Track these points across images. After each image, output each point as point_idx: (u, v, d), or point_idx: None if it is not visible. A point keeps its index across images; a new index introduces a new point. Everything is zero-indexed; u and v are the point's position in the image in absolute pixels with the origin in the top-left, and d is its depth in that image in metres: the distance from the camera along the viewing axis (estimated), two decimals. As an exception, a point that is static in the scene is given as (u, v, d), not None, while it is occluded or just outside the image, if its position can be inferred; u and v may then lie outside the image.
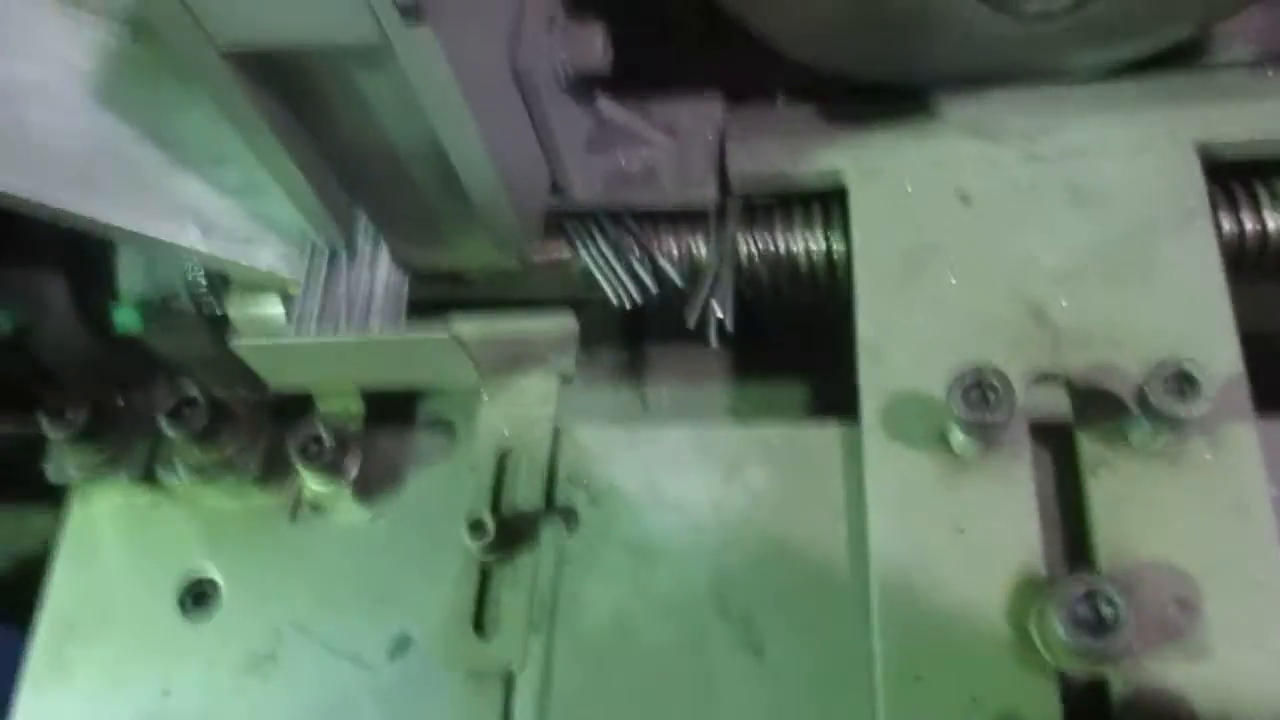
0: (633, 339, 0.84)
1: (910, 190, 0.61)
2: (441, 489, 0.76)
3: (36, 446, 0.81)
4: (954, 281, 0.59)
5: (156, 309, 0.74)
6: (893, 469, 0.55)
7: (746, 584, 0.58)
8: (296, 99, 0.55)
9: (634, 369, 0.82)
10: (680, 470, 0.61)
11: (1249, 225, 0.60)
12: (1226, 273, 0.58)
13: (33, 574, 1.12)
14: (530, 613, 0.57)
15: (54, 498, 0.90)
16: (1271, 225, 0.60)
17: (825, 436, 0.60)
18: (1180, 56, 0.63)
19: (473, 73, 0.51)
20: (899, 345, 0.58)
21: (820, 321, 0.72)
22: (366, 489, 0.75)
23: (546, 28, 0.58)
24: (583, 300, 0.74)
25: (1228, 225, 0.60)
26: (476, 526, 0.57)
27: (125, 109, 0.64)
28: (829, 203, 0.65)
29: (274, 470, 0.76)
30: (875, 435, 0.56)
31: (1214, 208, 0.60)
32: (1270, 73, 0.62)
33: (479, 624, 0.59)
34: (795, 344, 0.76)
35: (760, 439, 0.61)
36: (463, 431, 0.78)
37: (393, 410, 0.78)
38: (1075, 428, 0.55)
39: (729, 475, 0.60)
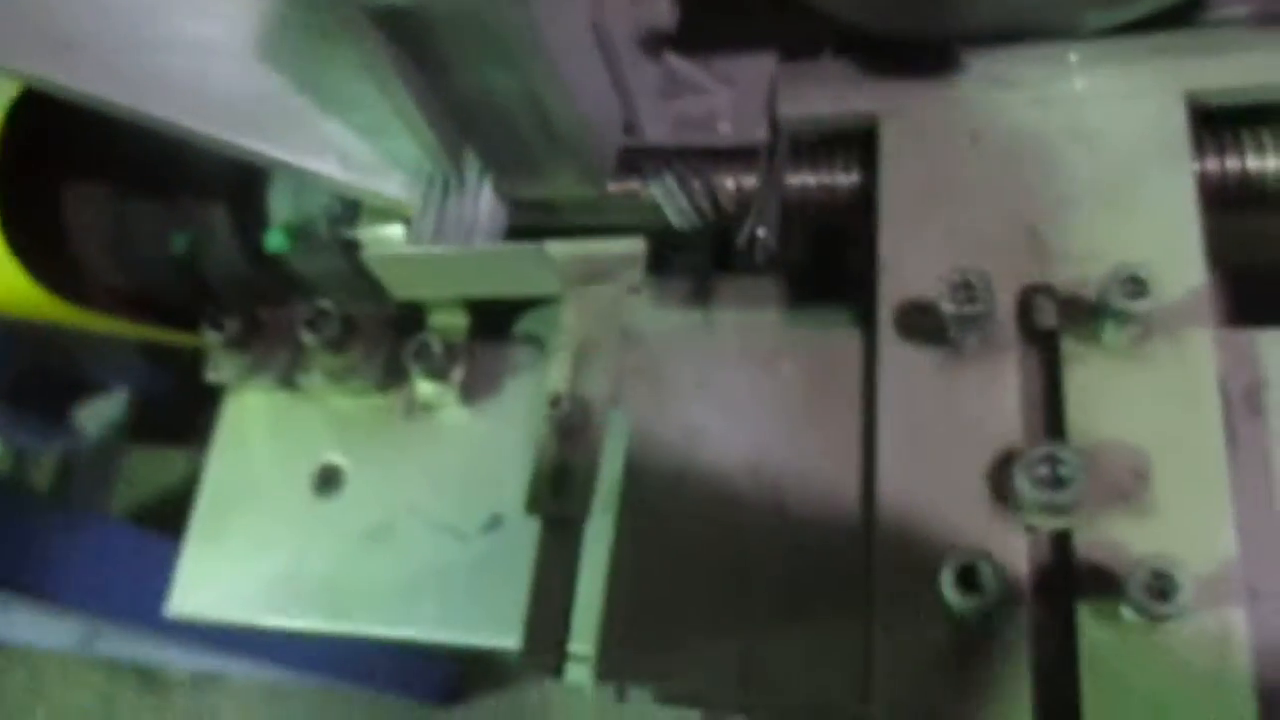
0: (704, 272, 0.95)
1: (930, 130, 0.72)
2: (532, 394, 0.88)
3: (180, 397, 0.95)
4: (963, 208, 0.69)
5: (299, 233, 0.89)
6: (900, 362, 0.66)
7: (777, 455, 0.69)
8: (420, 52, 0.68)
9: (702, 297, 0.94)
10: (725, 362, 0.73)
11: (1230, 165, 0.69)
12: (1214, 207, 0.67)
13: (172, 502, 1.27)
14: (597, 475, 0.70)
15: (191, 441, 1.04)
16: (1251, 165, 0.68)
17: (848, 336, 0.71)
18: (1181, 14, 0.72)
19: (560, 30, 0.64)
20: (911, 260, 0.68)
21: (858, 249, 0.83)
22: (469, 392, 0.88)
23: (623, -7, 0.70)
24: (654, 228, 0.86)
25: (1212, 165, 0.69)
26: (555, 402, 0.70)
27: (284, 62, 0.79)
28: (864, 142, 0.76)
29: (392, 375, 0.89)
30: (887, 335, 0.67)
31: (1203, 149, 0.69)
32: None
33: (555, 483, 0.71)
34: (840, 271, 0.87)
35: (792, 338, 0.72)
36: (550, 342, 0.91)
37: (492, 326, 0.91)
38: (1059, 331, 0.65)
39: (765, 367, 0.72)
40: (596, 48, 0.69)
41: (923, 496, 0.63)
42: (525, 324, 0.93)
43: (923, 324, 0.67)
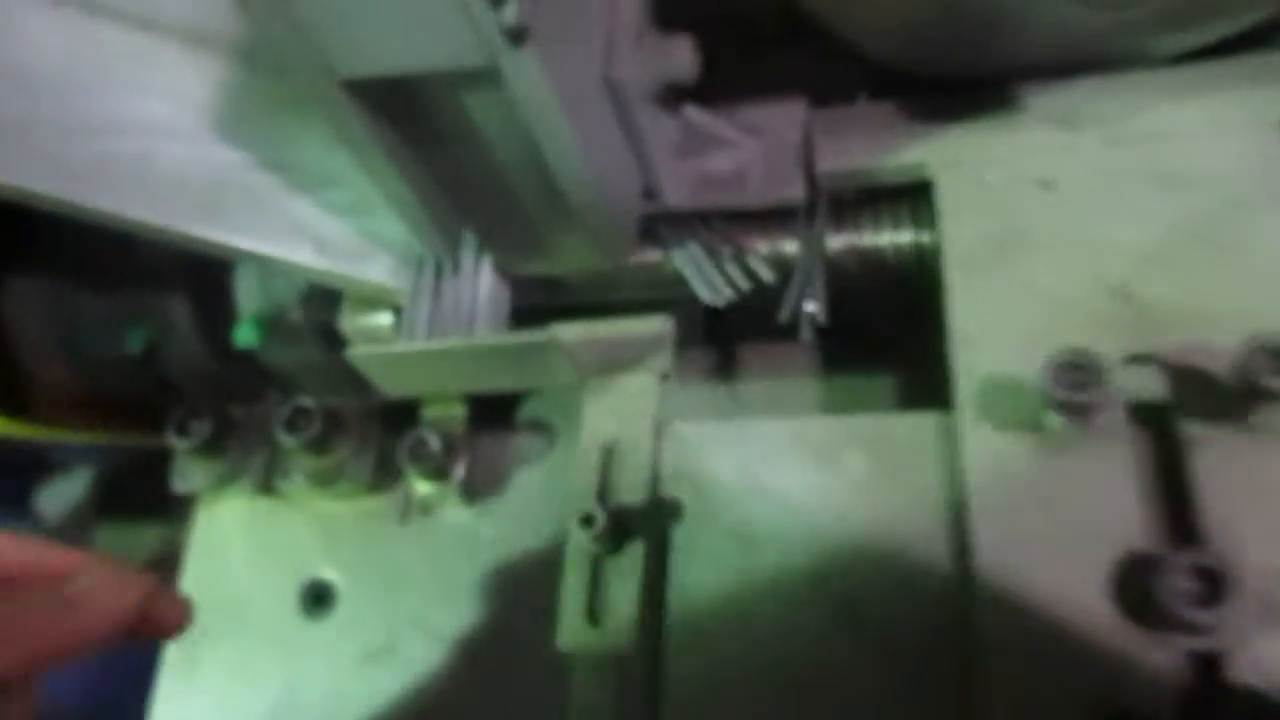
0: (723, 339, 0.86)
1: (992, 180, 0.63)
2: (543, 488, 0.79)
3: (149, 463, 0.86)
4: (1042, 267, 0.60)
5: (272, 324, 0.79)
6: (989, 452, 0.57)
7: (846, 565, 0.60)
8: (407, 123, 0.58)
9: (725, 367, 0.85)
10: (778, 460, 0.63)
11: (1339, 201, 0.60)
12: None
13: None
14: (640, 599, 0.60)
15: (164, 512, 0.94)
16: (1362, 200, 0.60)
17: (919, 423, 0.62)
18: (1267, 36, 0.64)
19: (571, 88, 0.54)
20: (990, 332, 0.59)
21: (905, 314, 0.74)
22: (472, 490, 0.78)
23: (636, 42, 0.61)
24: (674, 301, 0.76)
25: (1318, 202, 0.61)
26: (587, 520, 0.60)
27: (244, 139, 0.69)
28: (914, 196, 0.67)
29: (384, 475, 0.80)
30: (970, 420, 0.58)
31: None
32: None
33: (592, 612, 0.61)
34: (882, 337, 0.77)
35: (854, 428, 0.63)
36: (563, 432, 0.82)
37: (493, 413, 0.81)
38: (1172, 406, 0.56)
39: (825, 464, 0.62)
40: (610, 104, 0.60)
41: (1035, 613, 0.53)
42: (530, 409, 0.83)
43: (1010, 405, 0.58)
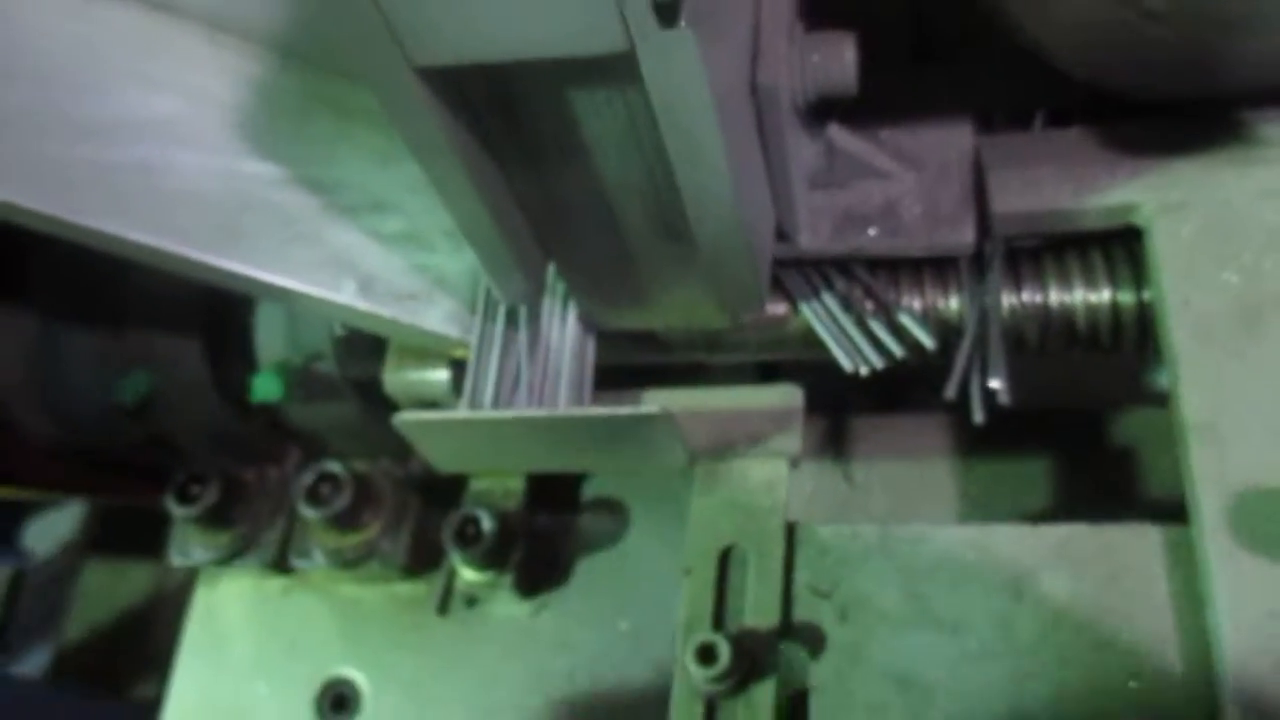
0: (829, 407, 0.73)
1: (1236, 228, 0.49)
2: (614, 581, 0.67)
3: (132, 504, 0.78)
4: (1310, 341, 0.47)
5: (297, 374, 0.66)
6: (1251, 586, 0.43)
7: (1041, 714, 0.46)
8: (494, 130, 0.45)
9: (833, 441, 0.71)
10: (953, 579, 0.49)
11: None
12: None
13: (132, 623, 1.08)
14: (773, 757, 0.46)
15: (152, 552, 0.84)
16: None
17: (1142, 540, 0.48)
18: None
19: (719, 89, 0.41)
20: (1245, 426, 0.45)
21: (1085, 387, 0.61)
22: (529, 579, 0.66)
23: (787, 40, 0.48)
24: (783, 365, 0.63)
25: None
26: (707, 653, 0.46)
27: (273, 148, 0.56)
28: (1110, 246, 0.54)
29: (421, 557, 0.67)
30: (1220, 542, 0.44)
31: None
32: None
33: (709, 771, 0.47)
34: (1044, 413, 0.64)
35: (1055, 542, 0.49)
36: (638, 513, 0.69)
37: (554, 489, 0.68)
38: None
39: (1018, 588, 0.48)
40: (751, 113, 0.47)
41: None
42: (598, 484, 0.69)
43: (1277, 523, 0.44)
